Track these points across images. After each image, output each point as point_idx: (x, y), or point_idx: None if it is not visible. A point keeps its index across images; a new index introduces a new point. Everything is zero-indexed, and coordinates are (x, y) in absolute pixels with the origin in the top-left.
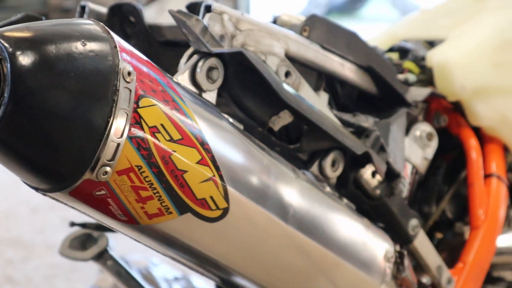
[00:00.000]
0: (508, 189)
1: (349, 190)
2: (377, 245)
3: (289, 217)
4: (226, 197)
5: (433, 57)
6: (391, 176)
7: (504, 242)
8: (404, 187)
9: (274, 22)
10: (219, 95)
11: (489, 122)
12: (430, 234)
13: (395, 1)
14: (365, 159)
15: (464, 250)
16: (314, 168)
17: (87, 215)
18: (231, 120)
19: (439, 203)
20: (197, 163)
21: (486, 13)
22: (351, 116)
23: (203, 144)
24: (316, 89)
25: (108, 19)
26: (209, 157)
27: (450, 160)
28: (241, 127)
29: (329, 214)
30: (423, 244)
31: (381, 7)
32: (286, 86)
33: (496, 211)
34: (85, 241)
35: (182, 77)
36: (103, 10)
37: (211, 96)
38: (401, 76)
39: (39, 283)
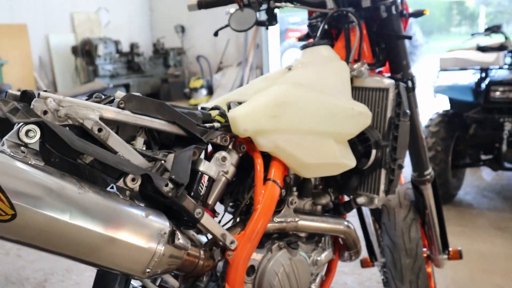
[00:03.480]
0: (281, 188)
1: (150, 194)
2: (152, 227)
3: (71, 215)
4: (12, 207)
5: (230, 113)
6: (176, 185)
7: (280, 218)
8: (202, 189)
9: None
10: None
11: (269, 149)
12: (248, 211)
13: None
14: (147, 177)
15: (247, 223)
16: (120, 183)
17: None
18: (32, 161)
19: (249, 193)
20: None
21: (274, 86)
22: (151, 152)
23: None
24: (136, 136)
25: (20, 98)
26: None
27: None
28: (42, 163)
29: (108, 211)
30: (207, 222)
31: None
32: (77, 138)
33: (268, 201)
34: None
35: (11, 135)
36: (18, 93)
37: (34, 146)
38: (210, 124)
39: None
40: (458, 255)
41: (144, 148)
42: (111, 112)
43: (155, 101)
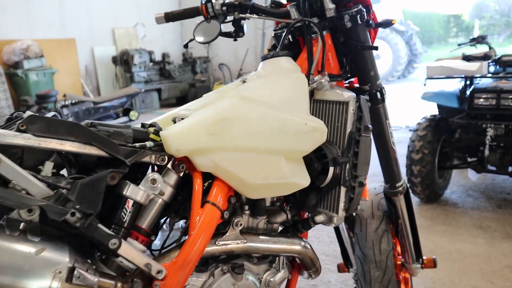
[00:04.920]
0: (222, 211)
1: (59, 224)
2: (44, 265)
3: None
4: None
5: (163, 132)
6: (85, 215)
7: (225, 241)
8: (125, 215)
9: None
10: None
11: (209, 169)
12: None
13: None
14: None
15: (180, 250)
16: (14, 214)
17: None
18: None
19: None
20: None
21: (220, 101)
22: (54, 179)
23: None
24: (45, 160)
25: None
26: None
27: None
28: None
29: None
30: (127, 252)
31: None
32: None
33: (204, 225)
34: None
35: None
36: None
37: None
38: (140, 144)
39: None
40: (432, 264)
41: (63, 174)
42: (4, 136)
43: (66, 122)
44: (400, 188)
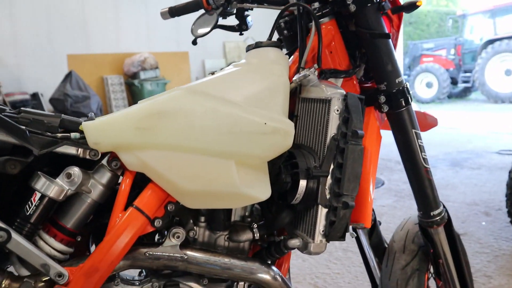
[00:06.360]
0: (150, 219)
1: None
2: None
3: None
4: None
5: (84, 123)
6: None
7: (158, 252)
8: (29, 208)
9: None
10: None
11: (136, 168)
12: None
13: (484, 90)
14: None
15: (89, 256)
16: None
17: None
18: None
19: None
20: None
21: (165, 93)
22: None
23: None
24: None
25: None
26: None
27: None
28: None
29: None
30: (19, 248)
31: (479, 95)
32: None
33: (120, 230)
34: None
35: None
36: None
37: None
38: (63, 134)
39: None
40: None
41: None
42: None
43: None
44: (438, 218)
